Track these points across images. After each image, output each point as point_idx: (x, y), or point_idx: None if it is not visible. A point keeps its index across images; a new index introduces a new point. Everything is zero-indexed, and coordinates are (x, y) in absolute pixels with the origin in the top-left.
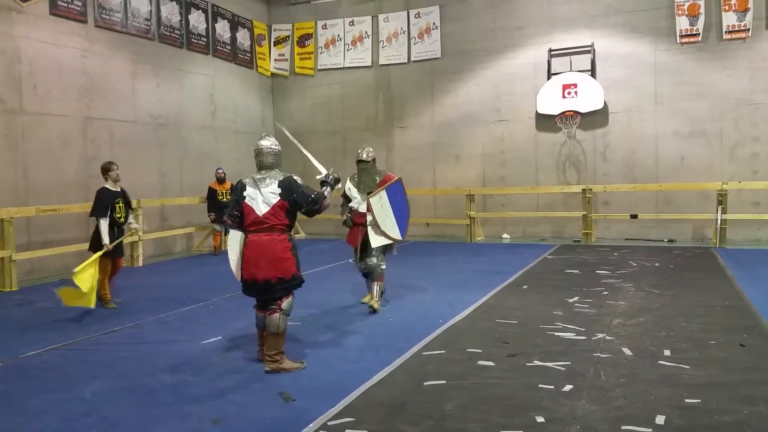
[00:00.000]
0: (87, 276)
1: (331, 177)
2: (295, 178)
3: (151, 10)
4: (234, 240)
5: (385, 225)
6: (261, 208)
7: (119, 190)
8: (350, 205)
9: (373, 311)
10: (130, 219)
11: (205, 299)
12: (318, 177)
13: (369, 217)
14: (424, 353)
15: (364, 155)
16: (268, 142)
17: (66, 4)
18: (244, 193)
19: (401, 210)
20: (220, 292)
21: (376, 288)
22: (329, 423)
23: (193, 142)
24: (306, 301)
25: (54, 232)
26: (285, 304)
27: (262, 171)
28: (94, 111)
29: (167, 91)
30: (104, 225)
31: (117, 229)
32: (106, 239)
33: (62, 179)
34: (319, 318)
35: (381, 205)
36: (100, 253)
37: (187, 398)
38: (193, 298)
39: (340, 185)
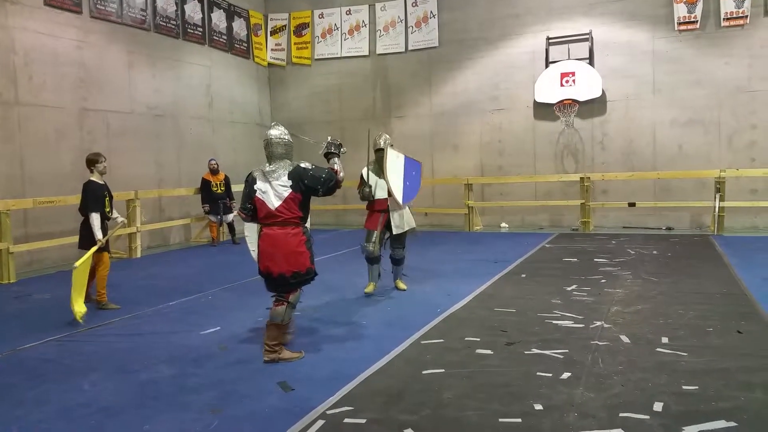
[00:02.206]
0: (82, 272)
1: (333, 145)
2: (303, 165)
3: (146, 1)
4: (252, 230)
5: (391, 175)
6: (273, 202)
7: (104, 183)
8: (371, 190)
9: (403, 290)
10: (115, 213)
11: (203, 290)
12: (320, 152)
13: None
14: (422, 342)
15: (382, 142)
16: (278, 132)
17: None
18: (255, 187)
19: (412, 183)
20: (219, 283)
21: (400, 271)
22: (328, 412)
23: (190, 132)
24: (305, 291)
25: (51, 223)
26: (292, 296)
27: (272, 162)
28: (90, 102)
29: (163, 82)
30: (97, 219)
31: (105, 223)
32: (99, 234)
33: (59, 171)
34: (318, 308)
35: (396, 164)
36: (94, 249)
37: (186, 388)
38: (192, 289)
39: (345, 149)
